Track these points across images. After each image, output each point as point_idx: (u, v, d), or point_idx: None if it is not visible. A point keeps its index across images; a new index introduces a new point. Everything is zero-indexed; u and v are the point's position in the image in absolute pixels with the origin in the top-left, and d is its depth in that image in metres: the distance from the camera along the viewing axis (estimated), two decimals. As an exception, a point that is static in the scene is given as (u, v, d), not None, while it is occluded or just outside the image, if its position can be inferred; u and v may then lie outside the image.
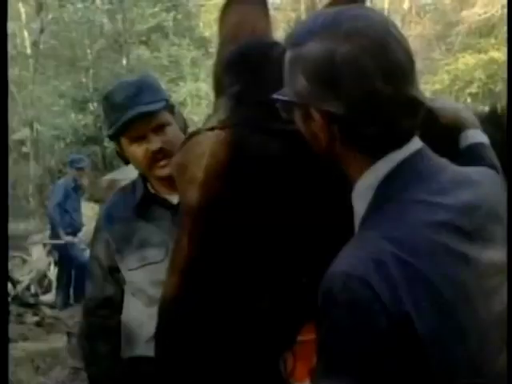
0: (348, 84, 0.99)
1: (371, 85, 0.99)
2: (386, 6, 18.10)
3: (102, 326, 1.96)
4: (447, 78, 16.52)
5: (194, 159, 1.27)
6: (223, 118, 1.27)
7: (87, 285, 2.02)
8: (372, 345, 0.90)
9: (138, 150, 1.83)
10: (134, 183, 2.00)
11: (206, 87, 18.44)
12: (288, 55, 1.08)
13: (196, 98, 18.54)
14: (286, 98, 1.10)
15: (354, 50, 0.99)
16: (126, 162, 1.94)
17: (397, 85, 1.01)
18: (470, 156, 1.33)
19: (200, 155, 1.25)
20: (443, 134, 1.09)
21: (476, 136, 1.37)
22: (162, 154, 1.80)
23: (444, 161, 1.11)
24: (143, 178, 1.95)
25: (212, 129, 1.27)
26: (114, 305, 1.94)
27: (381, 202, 1.03)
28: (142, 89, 1.84)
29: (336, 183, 1.19)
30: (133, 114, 1.78)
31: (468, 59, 16.73)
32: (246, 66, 1.29)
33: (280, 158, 1.19)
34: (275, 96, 1.13)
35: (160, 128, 1.83)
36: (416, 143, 1.07)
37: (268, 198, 1.20)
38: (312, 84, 1.03)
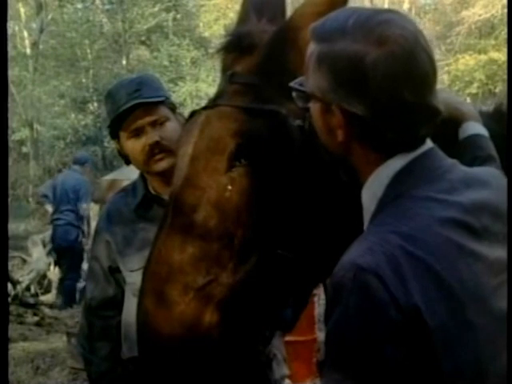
0: (374, 88, 1.01)
1: (397, 92, 1.01)
2: (386, 6, 18.10)
3: (102, 326, 1.96)
4: (447, 79, 16.54)
5: (186, 136, 1.35)
6: (214, 97, 1.37)
7: (88, 285, 2.03)
8: (381, 336, 0.91)
9: (135, 145, 1.85)
10: (134, 184, 2.00)
11: (205, 87, 18.46)
12: (315, 48, 1.08)
13: (196, 98, 18.55)
14: (306, 90, 1.11)
15: (385, 56, 1.00)
16: (127, 161, 1.95)
17: (420, 93, 1.03)
18: (469, 147, 1.36)
19: (191, 132, 1.34)
20: (443, 125, 1.11)
21: (475, 128, 1.40)
22: (159, 148, 1.82)
23: (453, 161, 1.12)
24: (144, 179, 1.96)
25: (205, 108, 1.35)
26: (115, 305, 1.94)
27: (391, 198, 1.04)
28: (142, 84, 1.88)
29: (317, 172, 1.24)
30: (131, 104, 1.82)
31: (468, 60, 16.75)
32: (240, 50, 1.36)
33: (265, 138, 1.24)
34: (293, 85, 1.15)
35: (159, 122, 1.85)
36: (427, 143, 1.09)
37: (255, 173, 1.24)
38: (338, 83, 1.04)
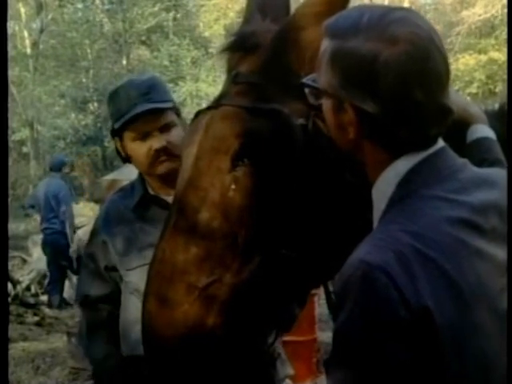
0: (386, 87, 1.00)
1: (409, 90, 1.01)
2: (387, 5, 18.07)
3: (99, 317, 1.97)
4: (447, 79, 16.50)
5: (191, 136, 1.36)
6: (218, 97, 1.37)
7: (83, 281, 2.03)
8: (389, 334, 0.91)
9: (141, 148, 1.85)
10: (132, 184, 2.00)
11: (205, 87, 18.47)
12: (328, 45, 1.08)
13: (196, 98, 18.56)
14: (318, 86, 1.11)
15: (398, 54, 1.00)
16: (125, 160, 1.95)
17: (432, 93, 1.02)
18: (477, 149, 1.35)
19: (196, 132, 1.34)
20: (451, 127, 1.11)
21: (483, 131, 1.40)
22: (164, 153, 1.82)
23: (464, 161, 1.11)
24: (142, 179, 1.96)
25: (209, 108, 1.36)
26: (112, 301, 1.95)
27: (401, 197, 1.04)
28: (153, 87, 1.87)
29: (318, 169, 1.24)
30: (143, 108, 1.81)
31: (468, 59, 16.76)
32: (245, 50, 1.36)
33: (267, 137, 1.24)
34: (305, 81, 1.15)
35: (166, 127, 1.86)
36: (439, 143, 1.09)
37: (259, 173, 1.25)
38: (350, 81, 1.04)
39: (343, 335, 0.97)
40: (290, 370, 1.95)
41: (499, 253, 1.03)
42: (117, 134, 1.91)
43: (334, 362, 0.98)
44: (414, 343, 0.91)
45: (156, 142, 1.81)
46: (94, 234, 2.01)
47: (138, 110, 1.81)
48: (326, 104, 1.10)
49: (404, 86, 1.00)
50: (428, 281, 0.92)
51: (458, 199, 1.03)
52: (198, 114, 1.38)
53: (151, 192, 1.93)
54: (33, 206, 7.82)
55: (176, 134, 1.84)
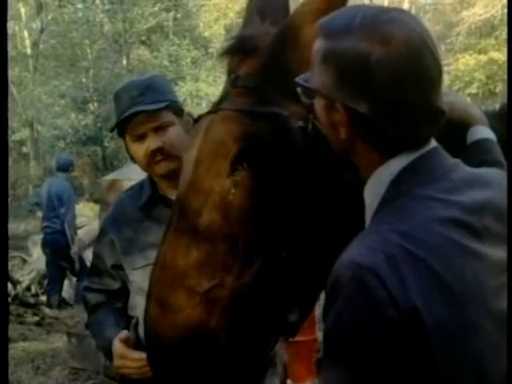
0: (378, 88, 1.01)
1: (401, 91, 1.01)
2: (386, 5, 18.08)
3: (101, 301, 1.98)
4: (447, 79, 16.55)
5: (192, 140, 1.37)
6: (217, 102, 1.38)
7: (92, 278, 2.04)
8: (378, 335, 0.91)
9: (139, 149, 1.86)
10: (141, 184, 2.01)
11: (205, 87, 18.48)
12: (321, 44, 1.08)
13: (196, 98, 18.57)
14: (310, 86, 1.12)
15: (390, 55, 1.00)
16: (134, 160, 1.96)
17: (424, 94, 1.03)
18: (477, 151, 1.36)
19: (196, 136, 1.35)
20: (452, 128, 1.11)
21: (484, 132, 1.40)
22: (161, 153, 1.83)
23: (457, 161, 1.12)
24: (151, 179, 1.97)
25: (210, 112, 1.36)
26: (115, 296, 1.97)
27: (393, 196, 1.05)
28: (149, 88, 1.87)
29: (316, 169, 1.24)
30: (131, 111, 1.83)
31: (468, 60, 16.78)
32: (244, 53, 1.37)
33: (267, 141, 1.25)
34: (298, 80, 1.15)
35: (162, 128, 1.86)
36: (431, 143, 1.09)
37: (258, 175, 1.25)
38: (342, 81, 1.04)
39: (333, 335, 0.98)
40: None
41: (493, 253, 1.03)
42: (120, 135, 1.93)
43: (325, 360, 0.98)
44: (404, 343, 0.91)
45: (152, 143, 1.82)
46: (101, 233, 2.02)
47: (125, 114, 1.82)
48: (319, 103, 1.11)
49: (396, 87, 1.00)
50: (417, 281, 0.93)
51: (450, 199, 1.03)
52: (200, 118, 1.39)
53: (160, 192, 1.94)
54: (37, 203, 7.84)
55: (173, 134, 1.84)
